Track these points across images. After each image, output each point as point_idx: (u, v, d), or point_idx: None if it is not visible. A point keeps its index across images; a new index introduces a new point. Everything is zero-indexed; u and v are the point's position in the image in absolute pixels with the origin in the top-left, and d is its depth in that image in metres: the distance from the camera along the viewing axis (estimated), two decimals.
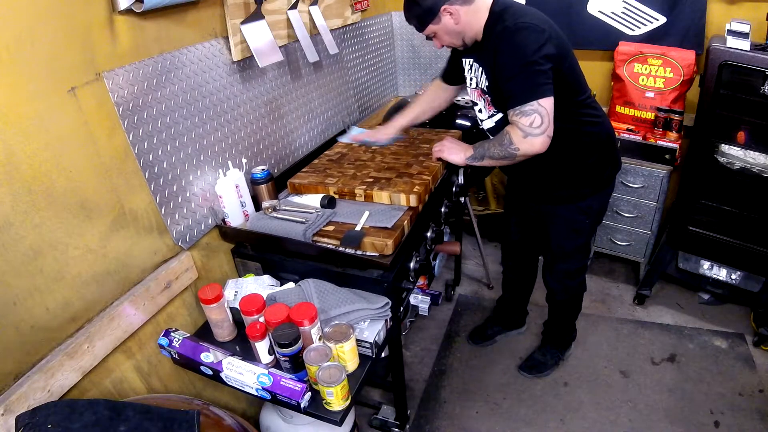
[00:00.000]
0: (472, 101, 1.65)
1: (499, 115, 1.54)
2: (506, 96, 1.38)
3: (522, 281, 2.14)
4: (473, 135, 2.14)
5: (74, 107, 1.04)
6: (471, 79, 1.58)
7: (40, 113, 0.97)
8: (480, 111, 1.62)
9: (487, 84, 1.49)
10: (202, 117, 1.38)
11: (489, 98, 1.53)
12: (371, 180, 1.61)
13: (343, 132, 2.04)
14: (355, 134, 1.83)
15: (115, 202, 1.16)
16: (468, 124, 2.20)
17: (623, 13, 2.22)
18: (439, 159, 1.70)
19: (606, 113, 2.40)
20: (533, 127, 1.34)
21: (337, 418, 1.16)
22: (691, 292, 2.49)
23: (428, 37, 1.50)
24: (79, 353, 1.08)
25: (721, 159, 1.99)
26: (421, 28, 1.45)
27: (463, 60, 1.60)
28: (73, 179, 1.06)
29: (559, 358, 2.13)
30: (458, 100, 2.32)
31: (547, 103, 1.33)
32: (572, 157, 1.56)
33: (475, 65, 1.53)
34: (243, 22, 1.44)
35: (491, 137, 1.58)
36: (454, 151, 1.63)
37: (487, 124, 1.62)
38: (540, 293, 2.08)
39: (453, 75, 1.75)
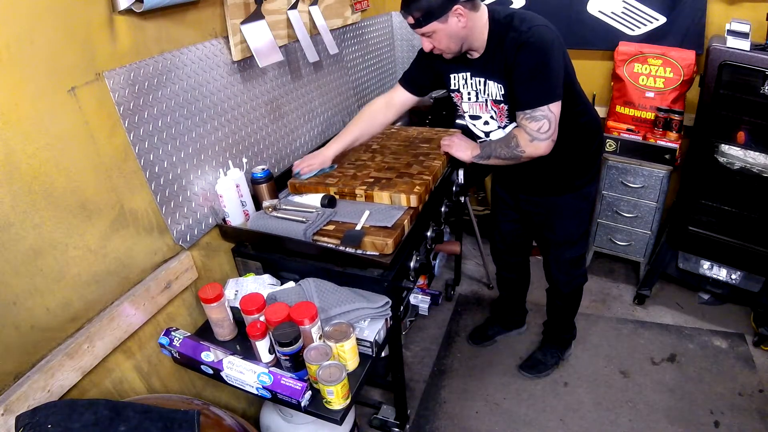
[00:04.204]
0: (472, 116, 1.61)
1: (513, 125, 1.52)
2: (518, 98, 1.39)
3: (519, 278, 2.13)
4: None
5: (74, 107, 1.04)
6: (469, 94, 1.55)
7: (40, 113, 0.98)
8: (486, 123, 1.59)
9: (503, 93, 1.46)
10: (203, 117, 1.38)
11: (505, 107, 1.49)
12: (372, 180, 1.61)
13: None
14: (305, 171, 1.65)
15: (115, 202, 1.16)
16: None
17: (623, 13, 2.22)
18: (446, 153, 1.73)
19: (606, 112, 2.42)
20: (540, 132, 1.37)
21: (338, 417, 1.16)
22: (691, 292, 2.49)
23: (422, 34, 1.39)
24: (79, 353, 1.08)
25: (721, 159, 1.99)
26: (423, 23, 1.33)
27: (453, 76, 1.55)
28: (73, 179, 1.06)
29: (559, 357, 2.13)
30: None
31: (555, 109, 1.36)
32: (577, 148, 1.59)
33: (475, 79, 1.51)
34: (243, 22, 1.44)
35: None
36: (461, 148, 1.65)
37: (498, 134, 1.59)
38: (540, 293, 2.08)
39: (421, 84, 1.64)
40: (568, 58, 1.44)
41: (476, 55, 1.45)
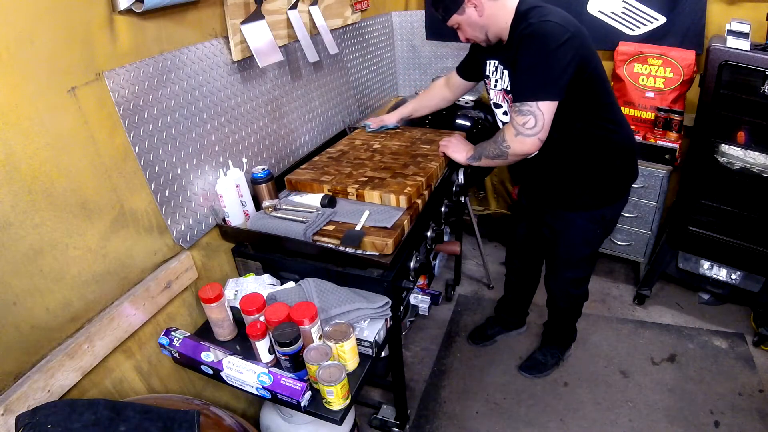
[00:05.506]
0: (495, 103, 1.62)
1: None
2: (513, 89, 1.39)
3: (525, 283, 2.13)
4: (474, 135, 2.13)
5: (74, 107, 1.04)
6: (496, 81, 1.56)
7: (40, 113, 0.97)
8: (505, 113, 1.59)
9: (509, 83, 1.48)
10: (203, 116, 1.38)
11: (512, 98, 1.49)
12: (365, 179, 1.61)
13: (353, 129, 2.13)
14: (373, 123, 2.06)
15: (115, 202, 1.16)
16: (468, 124, 2.20)
17: (623, 13, 2.22)
18: (444, 154, 1.74)
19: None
20: (526, 127, 1.35)
21: (338, 417, 1.17)
22: (691, 292, 2.49)
23: (451, 27, 1.50)
24: (79, 353, 1.08)
25: (721, 159, 1.99)
26: (446, 17, 1.46)
27: (488, 62, 1.58)
28: (73, 179, 1.06)
29: (559, 358, 2.13)
30: (458, 100, 2.32)
31: (545, 107, 1.32)
32: (592, 163, 1.54)
33: (500, 67, 1.52)
34: (243, 22, 1.44)
35: None
36: (458, 150, 1.68)
37: None
38: (541, 294, 2.08)
39: (468, 70, 1.80)
40: (595, 63, 1.39)
41: (504, 43, 1.47)
